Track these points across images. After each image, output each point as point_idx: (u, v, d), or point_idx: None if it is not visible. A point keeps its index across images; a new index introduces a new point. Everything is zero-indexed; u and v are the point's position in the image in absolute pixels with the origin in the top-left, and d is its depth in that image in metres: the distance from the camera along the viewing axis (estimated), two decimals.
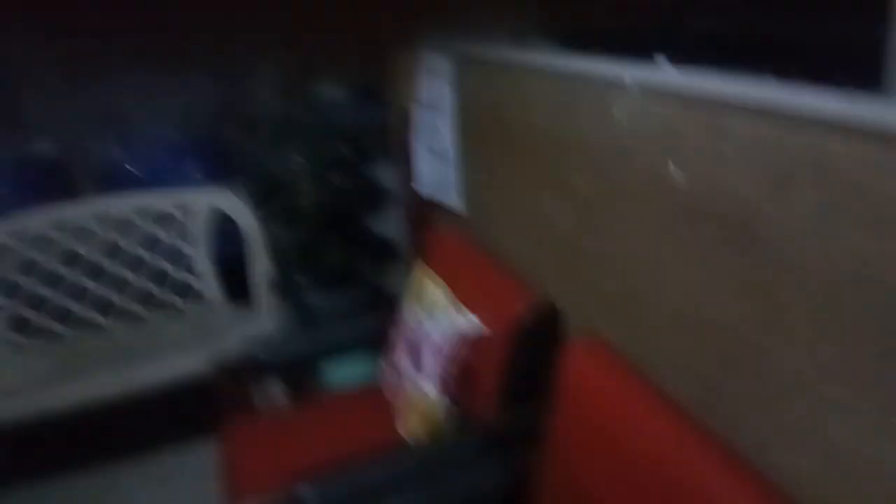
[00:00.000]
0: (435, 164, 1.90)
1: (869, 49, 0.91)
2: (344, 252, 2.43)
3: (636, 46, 1.49)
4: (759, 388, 0.92)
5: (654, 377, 1.13)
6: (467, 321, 1.44)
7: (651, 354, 1.15)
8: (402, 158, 2.10)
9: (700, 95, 0.95)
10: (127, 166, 2.89)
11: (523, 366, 1.34)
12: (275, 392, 2.15)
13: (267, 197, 2.50)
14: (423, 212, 2.04)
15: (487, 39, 1.99)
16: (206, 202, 2.46)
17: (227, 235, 2.45)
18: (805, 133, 0.78)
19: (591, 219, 1.26)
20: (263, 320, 2.19)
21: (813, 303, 0.81)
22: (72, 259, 2.38)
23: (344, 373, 2.19)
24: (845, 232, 0.75)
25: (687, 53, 1.37)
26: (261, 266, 2.25)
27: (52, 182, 2.80)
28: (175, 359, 2.11)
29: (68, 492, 2.21)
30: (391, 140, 2.33)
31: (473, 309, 1.47)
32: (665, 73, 1.08)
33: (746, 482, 0.89)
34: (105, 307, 2.42)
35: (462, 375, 1.44)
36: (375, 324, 1.80)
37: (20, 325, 2.33)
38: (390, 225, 2.72)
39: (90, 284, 2.40)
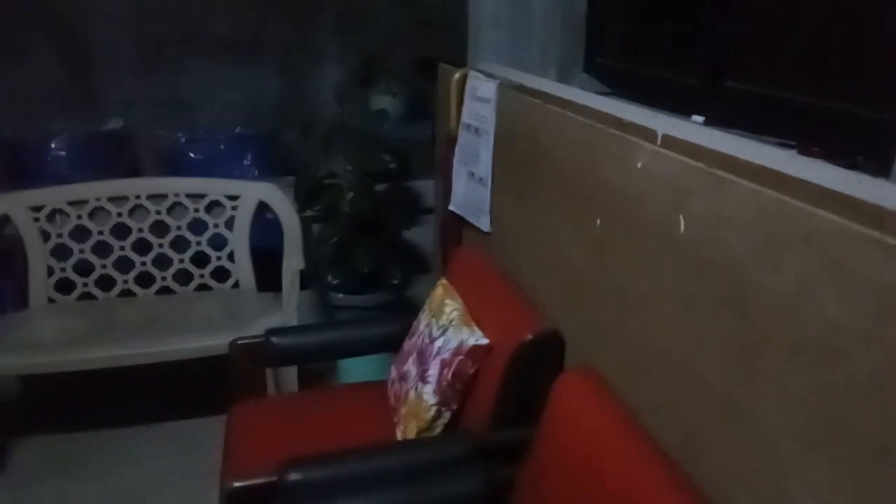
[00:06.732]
0: (471, 185, 1.96)
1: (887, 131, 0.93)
2: (375, 257, 2.51)
3: (676, 99, 1.53)
4: (730, 438, 0.94)
5: (640, 414, 1.16)
6: (475, 338, 1.49)
7: (639, 392, 1.18)
8: (442, 175, 2.18)
9: (712, 153, 0.98)
10: (189, 152, 3.05)
11: (520, 386, 1.38)
12: (288, 379, 2.24)
13: (311, 197, 2.60)
14: (453, 229, 2.10)
15: (534, 69, 2.06)
16: (253, 194, 2.57)
17: (267, 227, 2.56)
18: (799, 201, 0.81)
19: (600, 256, 1.30)
20: (289, 312, 2.28)
21: (783, 364, 0.84)
22: (123, 232, 2.53)
23: (356, 369, 2.27)
24: (819, 301, 0.78)
25: (723, 113, 1.40)
26: (295, 261, 2.34)
27: (117, 158, 2.97)
28: (200, 335, 2.21)
29: (80, 446, 2.33)
30: (435, 156, 2.41)
31: (483, 326, 1.52)
32: (692, 130, 1.11)
33: None
34: (145, 280, 2.56)
35: (462, 388, 1.49)
36: (393, 328, 1.86)
37: (65, 287, 2.48)
38: (423, 237, 2.80)
39: (135, 258, 2.54)
